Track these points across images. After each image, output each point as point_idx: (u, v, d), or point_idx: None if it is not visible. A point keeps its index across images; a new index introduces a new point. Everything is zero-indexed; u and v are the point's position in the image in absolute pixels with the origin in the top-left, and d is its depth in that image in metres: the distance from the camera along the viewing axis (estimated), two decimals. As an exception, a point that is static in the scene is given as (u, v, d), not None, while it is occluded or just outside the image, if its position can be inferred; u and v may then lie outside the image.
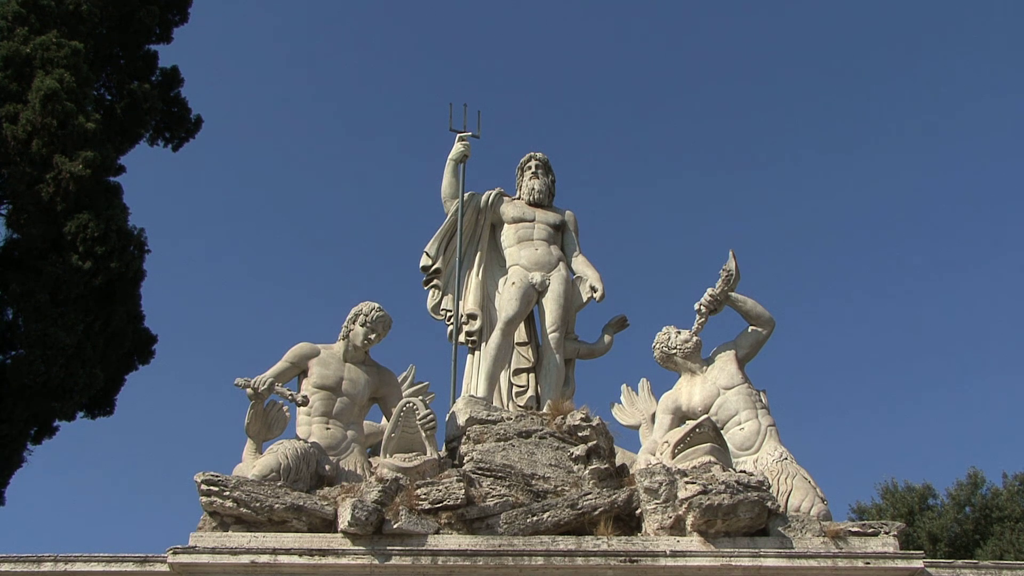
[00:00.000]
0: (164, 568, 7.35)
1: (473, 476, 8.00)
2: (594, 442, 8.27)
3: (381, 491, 7.37)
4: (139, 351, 15.83)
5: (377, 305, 9.33)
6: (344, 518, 7.28)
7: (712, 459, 7.98)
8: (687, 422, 8.80)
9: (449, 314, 10.46)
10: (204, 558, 7.21)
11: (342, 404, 8.96)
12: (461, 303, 10.50)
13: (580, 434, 8.37)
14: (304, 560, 7.21)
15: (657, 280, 34.20)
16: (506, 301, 10.17)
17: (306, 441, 8.42)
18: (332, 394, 8.94)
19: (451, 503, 7.48)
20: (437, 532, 7.39)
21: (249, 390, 8.48)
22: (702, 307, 9.67)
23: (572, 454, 8.35)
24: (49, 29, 15.14)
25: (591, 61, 37.96)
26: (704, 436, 8.15)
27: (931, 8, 36.43)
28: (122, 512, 30.65)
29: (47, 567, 7.48)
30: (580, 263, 10.70)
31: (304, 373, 9.04)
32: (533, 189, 10.89)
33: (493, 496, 7.84)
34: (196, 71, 27.90)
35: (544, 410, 9.41)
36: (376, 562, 7.22)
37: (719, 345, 9.74)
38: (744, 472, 7.85)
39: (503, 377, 10.17)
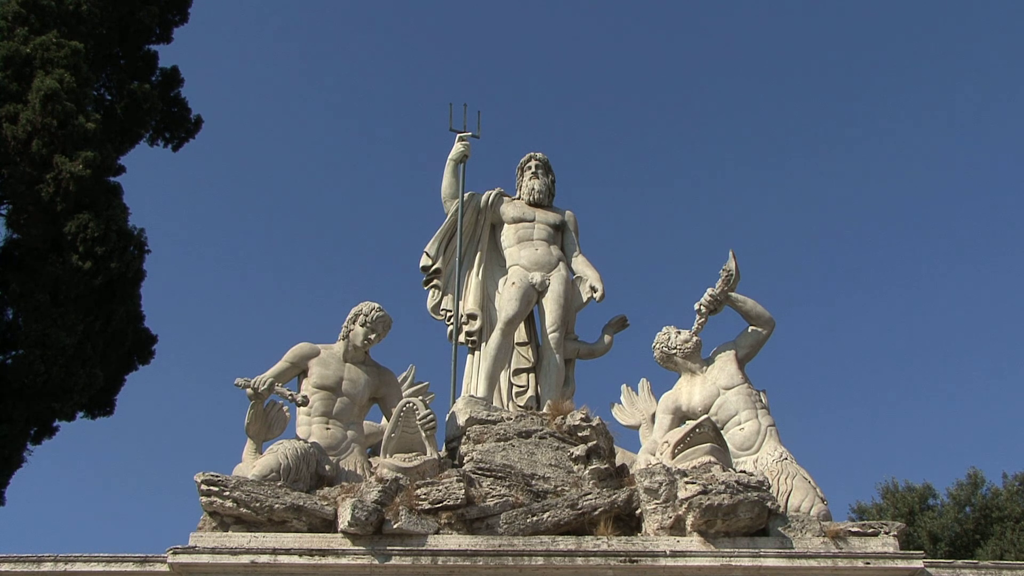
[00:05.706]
0: (164, 568, 7.34)
1: (473, 476, 8.00)
2: (594, 442, 8.27)
3: (381, 491, 7.37)
4: (139, 351, 15.82)
5: (377, 305, 9.33)
6: (344, 518, 7.27)
7: (712, 459, 7.97)
8: (687, 422, 8.80)
9: (449, 314, 10.46)
10: (204, 558, 7.21)
11: (342, 404, 8.96)
12: (461, 303, 10.50)
13: (580, 434, 8.37)
14: (304, 560, 7.20)
15: (657, 280, 34.23)
16: (506, 301, 10.17)
17: (306, 441, 8.42)
18: (332, 394, 8.94)
19: (451, 503, 7.47)
20: (437, 532, 7.39)
21: (249, 390, 8.49)
22: (702, 307, 9.67)
23: (572, 454, 8.35)
24: (49, 29, 15.10)
25: (591, 61, 37.98)
26: (704, 436, 8.15)
27: (932, 7, 36.44)
28: (122, 512, 30.67)
29: (47, 567, 7.47)
30: (580, 263, 10.70)
31: (304, 373, 9.04)
32: (533, 189, 10.90)
33: (493, 496, 7.83)
34: (196, 71, 27.97)
35: (544, 410, 9.40)
36: (376, 562, 7.22)
37: (719, 345, 9.74)
38: (744, 472, 7.85)
39: (503, 377, 10.17)
